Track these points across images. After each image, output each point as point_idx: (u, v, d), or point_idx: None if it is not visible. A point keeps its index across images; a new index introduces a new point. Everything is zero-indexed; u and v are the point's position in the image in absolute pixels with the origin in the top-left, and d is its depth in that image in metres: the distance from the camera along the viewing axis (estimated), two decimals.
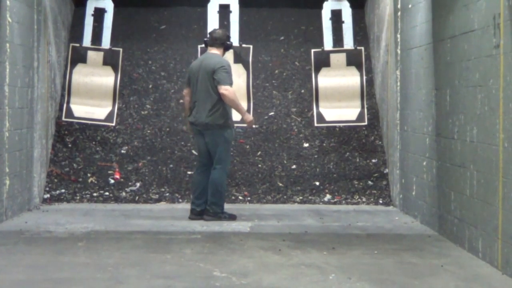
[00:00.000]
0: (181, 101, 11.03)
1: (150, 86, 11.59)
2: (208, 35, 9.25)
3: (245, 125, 9.24)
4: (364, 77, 10.51)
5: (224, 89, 8.71)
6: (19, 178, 9.03)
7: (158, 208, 9.86)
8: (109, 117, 10.48)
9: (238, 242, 7.64)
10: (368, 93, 11.08)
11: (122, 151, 10.92)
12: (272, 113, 10.84)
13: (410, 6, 9.18)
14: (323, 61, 10.49)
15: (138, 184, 10.48)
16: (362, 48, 10.62)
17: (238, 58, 10.24)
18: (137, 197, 10.29)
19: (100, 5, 10.56)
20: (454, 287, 5.98)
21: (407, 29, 9.32)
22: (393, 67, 9.92)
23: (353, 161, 10.88)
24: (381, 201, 10.29)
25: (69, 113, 10.46)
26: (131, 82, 11.60)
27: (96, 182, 10.51)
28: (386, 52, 10.38)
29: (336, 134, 11.16)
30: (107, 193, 10.32)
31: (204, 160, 9.00)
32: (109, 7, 10.56)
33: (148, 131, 11.13)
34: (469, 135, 7.13)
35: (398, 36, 9.68)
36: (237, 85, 9.81)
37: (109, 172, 10.64)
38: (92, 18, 10.55)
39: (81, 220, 8.82)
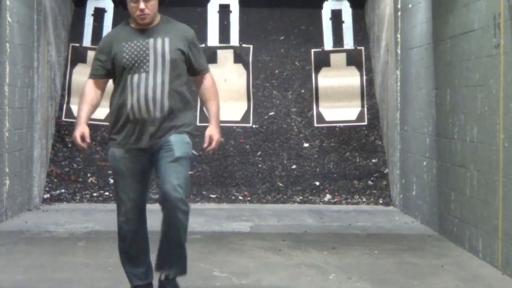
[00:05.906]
0: None
1: None
2: None
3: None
4: (364, 77, 10.50)
5: None
6: (19, 178, 9.02)
7: (158, 208, 9.83)
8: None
9: (238, 242, 7.64)
10: (368, 93, 11.08)
11: None
12: (272, 113, 10.84)
13: (410, 6, 9.18)
14: (323, 61, 10.48)
15: None
16: (362, 48, 10.61)
17: (238, 58, 10.22)
18: None
19: (100, 5, 10.55)
20: (454, 287, 5.98)
21: (407, 29, 9.31)
22: (393, 67, 9.92)
23: (353, 161, 10.87)
24: (381, 201, 10.29)
25: (69, 113, 10.45)
26: None
27: (96, 182, 10.50)
28: (386, 52, 10.38)
29: (336, 134, 11.15)
30: (107, 193, 10.31)
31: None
32: (109, 7, 10.55)
33: None
34: (469, 135, 7.13)
35: (398, 36, 9.68)
36: (237, 85, 9.80)
37: (109, 172, 10.63)
38: (92, 18, 10.54)
39: (81, 220, 8.81)
